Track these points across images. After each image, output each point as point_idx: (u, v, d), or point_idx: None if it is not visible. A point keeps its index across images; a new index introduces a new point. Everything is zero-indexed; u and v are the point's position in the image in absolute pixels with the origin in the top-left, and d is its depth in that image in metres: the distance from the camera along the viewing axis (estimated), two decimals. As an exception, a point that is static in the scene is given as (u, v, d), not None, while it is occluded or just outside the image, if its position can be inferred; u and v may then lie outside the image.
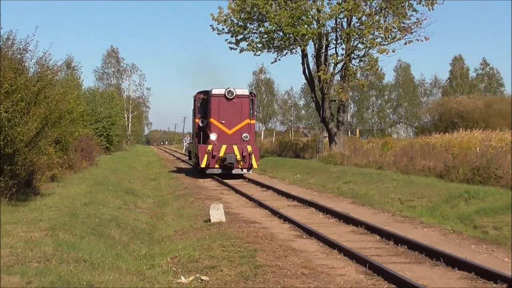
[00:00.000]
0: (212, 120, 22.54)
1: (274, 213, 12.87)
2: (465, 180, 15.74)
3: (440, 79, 76.84)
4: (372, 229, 10.49)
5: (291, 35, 27.07)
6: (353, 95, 68.12)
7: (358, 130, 62.54)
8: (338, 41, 28.59)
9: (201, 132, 23.30)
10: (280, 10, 26.61)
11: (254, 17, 28.16)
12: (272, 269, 7.36)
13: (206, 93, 23.53)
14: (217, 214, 11.39)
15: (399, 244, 9.28)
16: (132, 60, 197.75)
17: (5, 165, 12.21)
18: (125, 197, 15.37)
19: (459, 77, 72.19)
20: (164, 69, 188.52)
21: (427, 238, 9.83)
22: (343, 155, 25.60)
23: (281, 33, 27.63)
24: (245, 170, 22.36)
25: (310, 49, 30.06)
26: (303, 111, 77.98)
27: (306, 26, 26.75)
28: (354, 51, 28.18)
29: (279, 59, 29.93)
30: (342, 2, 26.61)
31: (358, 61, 28.77)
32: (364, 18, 27.18)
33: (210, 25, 28.91)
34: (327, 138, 31.21)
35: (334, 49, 28.87)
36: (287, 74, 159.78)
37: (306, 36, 27.07)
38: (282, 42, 28.13)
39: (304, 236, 10.19)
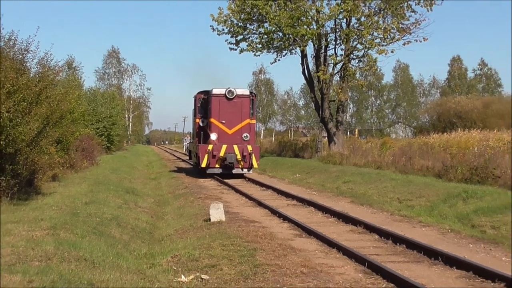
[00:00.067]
0: (212, 120, 22.57)
1: (274, 212, 12.91)
2: (463, 179, 15.79)
3: (438, 80, 76.87)
4: (371, 228, 10.53)
5: (290, 35, 27.14)
6: (352, 95, 68.12)
7: (357, 130, 62.51)
8: (337, 42, 28.69)
9: (202, 132, 23.31)
10: (279, 11, 26.68)
11: (254, 18, 28.23)
12: (271, 268, 7.39)
13: (207, 93, 23.54)
14: (217, 213, 11.44)
15: (398, 243, 9.32)
16: (133, 60, 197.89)
17: (7, 164, 12.27)
18: (126, 197, 15.42)
19: (458, 78, 72.22)
20: (164, 69, 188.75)
21: (426, 237, 9.87)
22: (342, 155, 25.67)
23: (280, 34, 27.71)
24: (245, 170, 22.39)
25: (310, 50, 30.19)
26: (303, 111, 77.95)
27: (305, 26, 26.83)
28: (353, 52, 28.28)
29: (279, 60, 30.08)
30: (341, 3, 26.68)
31: (357, 61, 28.92)
32: (363, 19, 27.25)
33: (210, 26, 29.04)
34: (326, 138, 31.26)
35: (333, 49, 29.03)
36: (287, 74, 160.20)
37: (306, 37, 27.14)
38: (281, 42, 28.20)
39: (304, 235, 10.23)
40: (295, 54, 29.75)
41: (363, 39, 27.36)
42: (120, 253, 8.56)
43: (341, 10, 26.64)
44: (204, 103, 23.80)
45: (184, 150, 53.39)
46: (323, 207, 13.38)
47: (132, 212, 13.22)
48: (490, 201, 11.97)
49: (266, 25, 27.88)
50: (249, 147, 22.02)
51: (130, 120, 76.70)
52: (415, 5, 27.36)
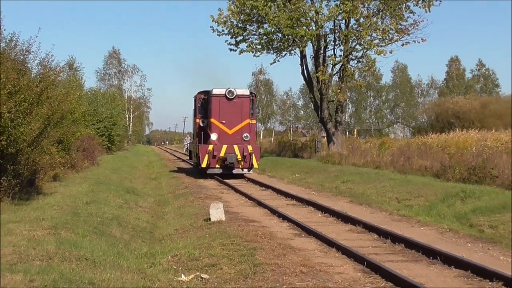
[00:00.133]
0: (212, 120, 22.59)
1: (273, 212, 12.95)
2: (461, 179, 15.85)
3: (436, 80, 76.89)
4: (370, 228, 10.57)
5: (290, 36, 27.20)
6: (351, 95, 68.18)
7: (356, 130, 62.51)
8: (336, 43, 28.79)
9: (202, 132, 23.31)
10: (279, 12, 26.76)
11: (254, 19, 28.30)
12: (271, 267, 7.42)
13: (207, 93, 23.54)
14: (217, 213, 11.48)
15: (396, 243, 9.35)
16: (133, 60, 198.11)
17: (8, 164, 12.32)
18: (126, 196, 15.46)
19: (456, 78, 72.35)
20: (164, 69, 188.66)
21: (424, 236, 9.91)
22: (341, 154, 25.73)
23: (280, 35, 27.79)
24: (245, 170, 22.39)
25: (309, 50, 30.26)
26: (302, 111, 77.99)
27: (304, 27, 26.91)
28: (352, 52, 28.38)
29: (278, 60, 30.18)
30: (340, 4, 26.74)
31: (356, 62, 29.02)
32: (362, 20, 27.34)
33: (210, 27, 29.10)
34: (325, 138, 31.32)
35: (332, 50, 29.16)
36: (286, 75, 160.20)
37: (305, 38, 27.21)
38: (281, 43, 28.27)
39: (303, 235, 10.27)
40: (294, 54, 29.88)
41: (362, 40, 27.47)
42: (120, 252, 8.59)
43: (340, 11, 26.71)
44: (204, 103, 23.80)
45: (184, 150, 53.46)
46: (322, 207, 13.43)
47: (133, 212, 13.26)
48: (488, 201, 12.03)
49: (265, 26, 27.96)
50: (250, 147, 22.03)
51: (131, 121, 76.81)
52: (414, 6, 27.51)
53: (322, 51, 29.09)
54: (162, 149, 75.31)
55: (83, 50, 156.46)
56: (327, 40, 28.97)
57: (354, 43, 28.11)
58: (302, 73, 30.25)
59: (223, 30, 28.87)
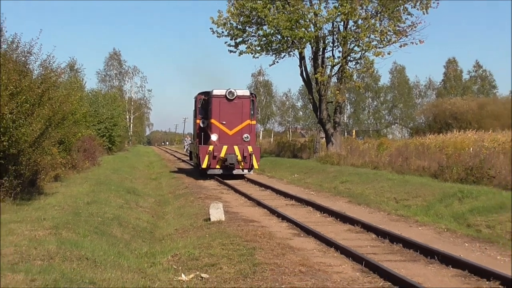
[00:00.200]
0: (213, 120, 22.60)
1: (273, 212, 13.00)
2: (458, 179, 15.88)
3: (434, 81, 77.09)
4: (368, 228, 10.62)
5: (289, 38, 27.26)
6: (350, 96, 68.37)
7: (354, 131, 62.53)
8: (335, 44, 28.88)
9: (202, 133, 23.30)
10: (278, 14, 26.82)
11: (253, 21, 28.37)
12: (270, 267, 7.46)
13: (207, 94, 23.54)
14: (216, 213, 11.53)
15: (395, 243, 9.40)
16: (133, 60, 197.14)
17: (10, 165, 12.39)
18: (127, 197, 15.51)
19: (453, 79, 72.51)
20: (164, 69, 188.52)
21: (422, 236, 9.95)
22: (340, 155, 25.79)
23: (279, 36, 27.84)
24: (246, 171, 22.37)
25: (308, 52, 30.30)
26: (301, 112, 78.12)
27: (303, 29, 26.97)
28: (351, 54, 28.46)
29: (277, 62, 30.21)
30: (339, 6, 26.82)
31: (354, 63, 29.07)
32: (360, 21, 27.44)
33: (210, 28, 29.15)
34: (324, 138, 31.37)
35: (331, 51, 29.23)
36: (285, 76, 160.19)
37: (304, 39, 27.28)
38: (280, 45, 28.31)
39: (302, 235, 10.31)
40: (293, 56, 29.92)
41: (360, 42, 27.55)
42: (121, 252, 8.63)
43: (339, 13, 26.79)
44: (205, 104, 23.79)
45: (184, 151, 53.51)
46: (321, 207, 13.48)
47: (133, 212, 13.30)
48: (485, 201, 12.07)
49: (264, 28, 28.04)
50: (250, 148, 22.04)
51: (131, 121, 76.95)
52: (411, 8, 27.62)
53: (320, 53, 29.16)
54: (162, 150, 75.31)
55: (83, 51, 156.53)
56: (326, 42, 29.06)
57: (352, 45, 28.21)
58: (301, 74, 30.32)
59: (222, 32, 28.97)
